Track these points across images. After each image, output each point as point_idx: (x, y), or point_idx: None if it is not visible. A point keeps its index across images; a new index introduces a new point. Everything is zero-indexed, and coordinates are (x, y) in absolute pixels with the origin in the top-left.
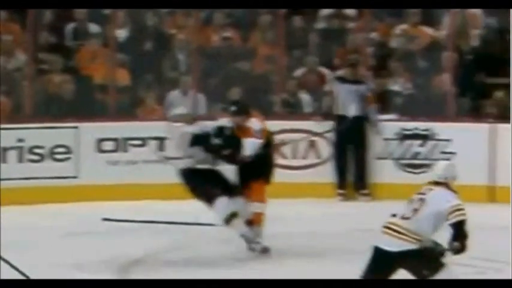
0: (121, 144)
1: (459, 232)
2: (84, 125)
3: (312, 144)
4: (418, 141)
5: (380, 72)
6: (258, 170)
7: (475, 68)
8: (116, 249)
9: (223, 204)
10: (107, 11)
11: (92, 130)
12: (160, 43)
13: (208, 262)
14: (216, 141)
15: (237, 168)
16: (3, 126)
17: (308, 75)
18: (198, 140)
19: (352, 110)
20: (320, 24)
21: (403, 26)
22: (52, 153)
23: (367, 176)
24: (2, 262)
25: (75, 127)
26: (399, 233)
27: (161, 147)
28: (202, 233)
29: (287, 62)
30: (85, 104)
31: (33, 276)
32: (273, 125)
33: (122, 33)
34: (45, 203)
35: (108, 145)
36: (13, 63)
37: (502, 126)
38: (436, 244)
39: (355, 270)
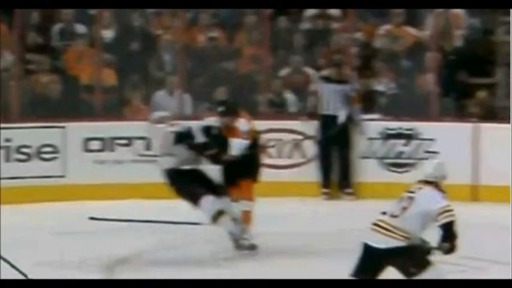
0: (108, 143)
1: (448, 233)
2: (71, 125)
3: (297, 144)
4: (402, 141)
5: (364, 72)
6: (245, 169)
7: (458, 68)
8: (102, 248)
9: (209, 202)
10: (93, 12)
11: (78, 130)
12: (146, 43)
13: (195, 261)
14: (201, 139)
15: (223, 168)
16: None
17: (293, 75)
18: (182, 138)
19: (340, 114)
20: (305, 25)
21: (387, 27)
22: (39, 153)
23: (351, 175)
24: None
25: (62, 127)
26: (387, 230)
27: (148, 147)
28: (189, 233)
29: (272, 62)
30: (72, 104)
31: (19, 275)
32: (259, 124)
33: (108, 34)
34: (32, 203)
35: (95, 145)
36: (0, 64)
37: (485, 126)
38: (424, 242)
39: (342, 269)
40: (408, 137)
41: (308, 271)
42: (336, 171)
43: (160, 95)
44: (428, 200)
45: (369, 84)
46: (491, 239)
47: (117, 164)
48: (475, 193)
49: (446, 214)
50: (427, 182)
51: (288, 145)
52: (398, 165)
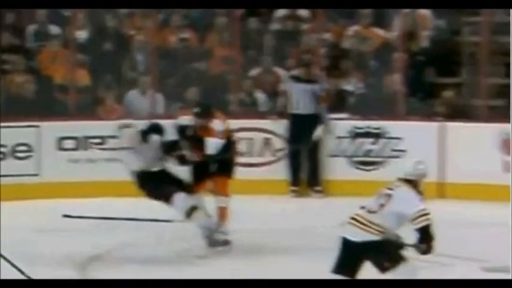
0: (81, 142)
1: (425, 236)
2: (45, 124)
3: (267, 142)
4: (370, 139)
5: (333, 72)
6: (220, 166)
7: (424, 68)
8: (75, 245)
9: (182, 199)
10: (67, 13)
11: (52, 129)
12: (119, 44)
13: (167, 259)
14: (173, 137)
15: (192, 167)
16: None
17: (263, 75)
18: (148, 133)
19: (305, 109)
20: (275, 26)
21: (356, 28)
22: (14, 152)
23: (320, 173)
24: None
25: (37, 126)
26: (363, 224)
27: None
28: (161, 230)
29: (243, 62)
30: (46, 104)
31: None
32: (230, 123)
33: (81, 35)
34: (6, 201)
35: (69, 143)
36: None
37: (451, 125)
38: (397, 237)
39: (313, 266)
40: (376, 135)
41: (279, 268)
42: (305, 170)
43: (133, 95)
44: (406, 202)
45: (337, 84)
46: (456, 235)
47: (90, 163)
48: (441, 190)
49: (422, 218)
50: (406, 181)
51: (258, 144)
52: (366, 163)
